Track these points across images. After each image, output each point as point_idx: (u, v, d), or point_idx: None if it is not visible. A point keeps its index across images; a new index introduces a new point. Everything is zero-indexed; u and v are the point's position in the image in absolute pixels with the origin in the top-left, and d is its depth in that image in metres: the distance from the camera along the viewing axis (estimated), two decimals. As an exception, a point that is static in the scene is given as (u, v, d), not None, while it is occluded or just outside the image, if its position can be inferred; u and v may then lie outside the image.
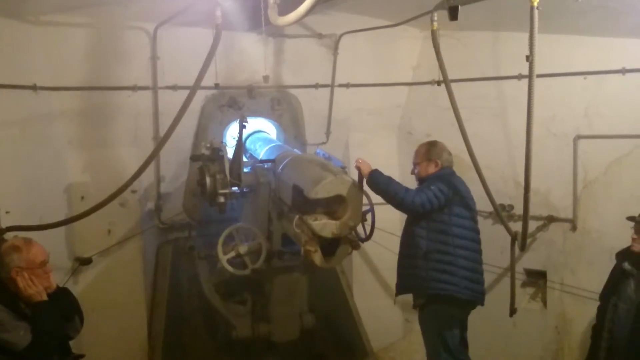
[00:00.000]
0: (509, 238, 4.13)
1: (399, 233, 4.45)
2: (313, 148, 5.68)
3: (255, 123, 5.61)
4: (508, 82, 5.15)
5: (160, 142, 4.07)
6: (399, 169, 5.99)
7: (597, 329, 4.25)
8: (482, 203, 4.30)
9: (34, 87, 4.68)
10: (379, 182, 4.01)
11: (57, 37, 4.83)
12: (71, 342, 3.49)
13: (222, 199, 4.42)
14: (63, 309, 3.28)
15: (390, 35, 5.33)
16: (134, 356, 5.56)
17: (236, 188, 4.47)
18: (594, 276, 4.52)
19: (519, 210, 4.75)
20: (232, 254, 4.55)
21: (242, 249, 4.57)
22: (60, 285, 3.45)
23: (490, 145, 5.14)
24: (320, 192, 3.74)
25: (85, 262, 5.18)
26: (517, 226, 4.12)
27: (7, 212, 4.25)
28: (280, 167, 4.39)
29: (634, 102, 4.55)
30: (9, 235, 3.88)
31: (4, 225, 4.06)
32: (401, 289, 4.44)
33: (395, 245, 4.54)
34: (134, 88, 5.19)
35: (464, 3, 3.57)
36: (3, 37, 4.43)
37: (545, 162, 4.77)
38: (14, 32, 4.54)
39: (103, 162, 5.22)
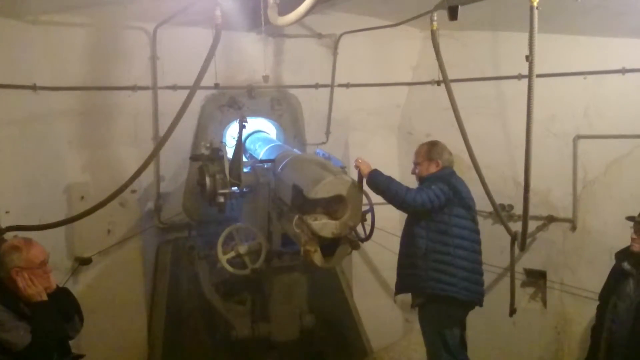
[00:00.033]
0: (508, 238, 4.13)
1: (399, 233, 4.46)
2: (313, 148, 5.68)
3: (255, 123, 5.61)
4: (508, 82, 5.15)
5: (160, 142, 4.07)
6: (399, 169, 6.00)
7: (596, 329, 4.25)
8: (481, 203, 4.30)
9: (33, 87, 4.68)
10: (379, 182, 4.02)
11: (57, 36, 4.83)
12: (71, 342, 3.48)
13: (221, 199, 4.42)
14: (63, 309, 3.28)
15: (390, 35, 5.33)
16: (134, 356, 5.56)
17: (236, 188, 4.48)
18: (594, 276, 4.52)
19: (518, 210, 4.75)
20: (232, 253, 4.56)
21: (242, 249, 4.57)
22: (60, 285, 3.45)
23: (490, 145, 5.14)
24: (320, 192, 3.74)
25: (85, 262, 5.17)
26: (516, 226, 4.13)
27: (7, 212, 4.26)
28: (280, 167, 4.39)
29: (634, 102, 4.54)
30: (9, 235, 3.88)
31: (3, 225, 4.06)
32: (400, 288, 4.44)
33: (395, 245, 4.54)
34: (133, 88, 5.20)
35: (463, 3, 3.58)
36: (3, 37, 4.43)
37: (545, 162, 4.77)
38: (13, 31, 4.54)
39: (103, 162, 5.22)
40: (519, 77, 4.85)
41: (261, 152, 5.06)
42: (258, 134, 5.61)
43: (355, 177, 4.00)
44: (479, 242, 4.28)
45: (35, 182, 4.72)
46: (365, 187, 4.03)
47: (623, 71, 4.54)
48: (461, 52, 5.36)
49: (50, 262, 3.30)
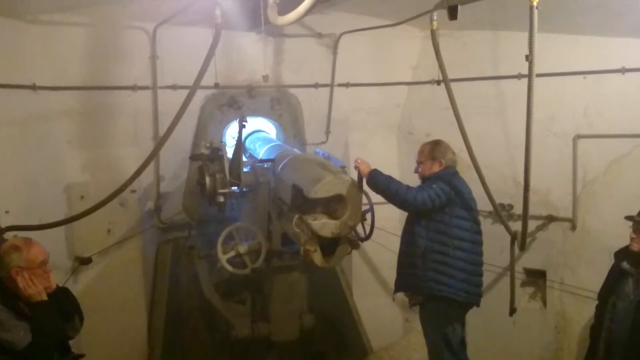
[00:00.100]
0: (508, 237, 4.14)
1: (399, 233, 4.46)
2: (313, 148, 5.68)
3: (254, 122, 5.62)
4: (508, 82, 5.15)
5: (160, 142, 4.07)
6: (399, 169, 6.01)
7: (595, 328, 4.25)
8: (481, 202, 4.30)
9: (33, 87, 4.68)
10: (379, 182, 4.01)
11: (57, 36, 4.83)
12: (71, 342, 3.49)
13: (221, 199, 4.42)
14: (63, 309, 3.28)
15: (389, 35, 5.32)
16: (134, 356, 5.56)
17: (236, 188, 4.48)
18: (594, 275, 4.52)
19: (518, 209, 4.75)
20: (232, 253, 4.56)
21: (242, 248, 4.57)
22: (60, 285, 3.45)
23: (490, 145, 5.14)
24: (320, 191, 3.74)
25: (85, 261, 5.17)
26: (516, 226, 4.13)
27: (6, 212, 4.26)
28: (280, 167, 4.39)
29: (634, 102, 4.55)
30: (9, 235, 3.88)
31: (3, 225, 4.06)
32: (399, 286, 4.45)
33: (395, 245, 4.54)
34: (133, 88, 5.19)
35: (463, 2, 3.57)
36: (2, 37, 4.43)
37: (544, 162, 4.77)
38: (13, 31, 4.54)
39: (103, 161, 5.22)
40: (519, 76, 4.85)
41: (261, 152, 5.06)
42: (258, 134, 5.61)
43: (355, 177, 4.00)
44: (479, 243, 4.27)
45: (35, 181, 4.72)
46: (365, 187, 4.03)
47: (623, 71, 4.54)
48: (461, 52, 5.36)
49: (50, 262, 3.29)
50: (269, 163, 4.68)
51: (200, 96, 5.37)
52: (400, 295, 4.73)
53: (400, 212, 4.46)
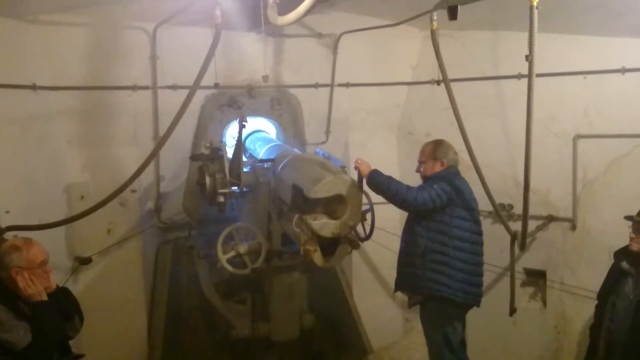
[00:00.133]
0: (508, 237, 4.13)
1: (399, 233, 4.46)
2: (313, 147, 5.68)
3: (254, 122, 5.62)
4: (507, 82, 5.15)
5: (160, 142, 4.07)
6: (399, 169, 6.01)
7: (595, 328, 4.26)
8: (481, 202, 4.30)
9: (33, 87, 4.68)
10: (379, 182, 4.01)
11: (57, 36, 4.83)
12: (71, 342, 3.50)
13: (221, 199, 4.42)
14: (63, 309, 3.29)
15: (389, 35, 5.32)
16: (134, 356, 5.56)
17: (236, 187, 4.48)
18: (594, 275, 4.52)
19: (518, 209, 4.75)
20: (232, 253, 4.56)
21: (242, 248, 4.57)
22: (60, 285, 3.46)
23: (490, 145, 5.14)
24: (320, 191, 3.75)
25: (85, 261, 5.17)
26: (516, 225, 4.13)
27: (6, 212, 4.26)
28: (280, 167, 4.39)
29: (634, 102, 4.55)
30: (9, 235, 3.88)
31: (3, 225, 4.07)
32: (399, 285, 4.45)
33: (394, 244, 4.54)
34: (133, 88, 5.19)
35: (463, 3, 3.57)
36: (2, 37, 4.43)
37: (544, 162, 4.77)
38: (13, 31, 4.54)
39: (103, 161, 5.22)
40: (519, 76, 4.85)
41: (261, 152, 5.06)
42: (258, 134, 5.61)
43: (355, 177, 4.00)
44: (480, 244, 4.26)
45: (35, 181, 4.72)
46: (365, 187, 4.03)
47: (623, 71, 4.54)
48: (461, 52, 5.36)
49: (50, 262, 3.30)
50: (269, 163, 4.68)
51: (200, 96, 5.37)
52: (400, 294, 4.73)
53: (401, 212, 4.46)
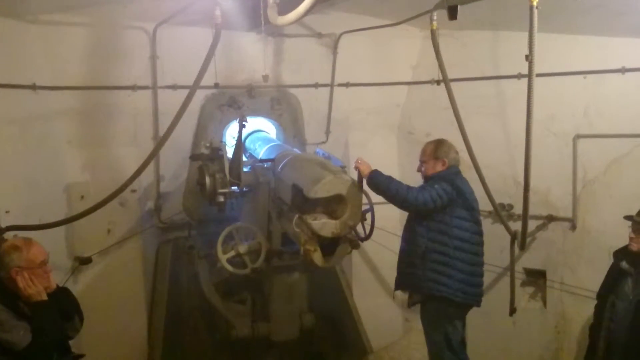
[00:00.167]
0: (508, 237, 4.13)
1: (399, 232, 4.46)
2: (313, 147, 5.68)
3: (254, 122, 5.62)
4: (507, 82, 5.15)
5: (160, 142, 4.07)
6: (399, 168, 6.01)
7: (595, 328, 4.26)
8: (481, 202, 4.30)
9: (33, 87, 4.68)
10: (379, 182, 4.01)
11: (57, 36, 4.83)
12: (71, 342, 3.49)
13: (221, 199, 4.42)
14: (63, 309, 3.29)
15: (389, 35, 5.32)
16: (134, 355, 5.56)
17: (236, 187, 4.48)
18: (594, 275, 4.51)
19: (518, 209, 4.75)
20: (232, 253, 4.56)
21: (242, 248, 4.57)
22: (60, 285, 3.45)
23: (490, 145, 5.14)
24: (320, 191, 3.74)
25: (85, 261, 5.17)
26: (516, 225, 4.12)
27: (6, 212, 4.26)
28: (280, 167, 4.39)
29: (634, 102, 4.54)
30: (9, 235, 3.88)
31: (3, 225, 4.06)
32: (399, 284, 4.45)
33: (394, 244, 4.55)
34: (133, 87, 5.19)
35: (463, 2, 3.57)
36: (2, 37, 4.43)
37: (544, 162, 4.77)
38: (13, 31, 4.54)
39: (103, 161, 5.22)
40: (519, 76, 4.85)
41: (261, 152, 5.06)
42: (258, 134, 5.61)
43: (355, 177, 4.00)
44: (480, 244, 4.27)
45: (35, 181, 4.71)
46: (365, 187, 4.03)
47: (623, 70, 4.54)
48: (461, 52, 5.36)
49: (50, 262, 3.30)
50: (269, 163, 4.68)
51: (200, 96, 5.38)
52: (400, 293, 4.73)
53: (400, 212, 4.46)
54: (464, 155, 4.20)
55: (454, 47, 5.23)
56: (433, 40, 4.01)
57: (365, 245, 4.43)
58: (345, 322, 6.05)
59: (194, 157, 4.90)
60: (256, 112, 5.72)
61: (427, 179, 4.31)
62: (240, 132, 4.48)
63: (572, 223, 4.98)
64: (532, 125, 3.13)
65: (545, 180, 4.96)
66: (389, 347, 6.21)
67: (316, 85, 5.89)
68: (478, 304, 4.29)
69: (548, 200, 5.10)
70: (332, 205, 3.85)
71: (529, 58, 2.99)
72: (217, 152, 4.51)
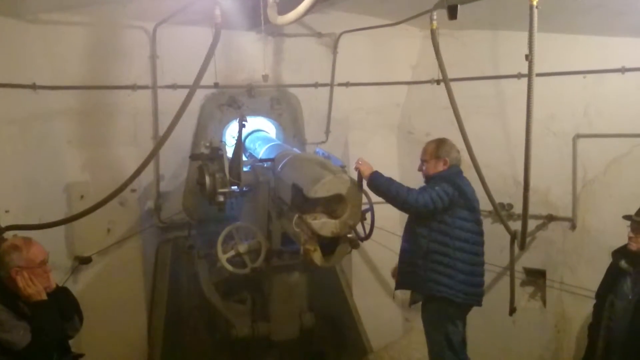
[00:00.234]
0: (508, 237, 4.13)
1: (399, 232, 4.45)
2: (312, 147, 5.68)
3: (254, 122, 5.62)
4: (507, 81, 5.15)
5: (160, 141, 4.06)
6: (399, 168, 6.02)
7: (594, 327, 4.26)
8: (481, 202, 4.29)
9: (33, 86, 4.68)
10: (380, 184, 4.00)
11: (56, 35, 4.83)
12: (71, 341, 3.49)
13: (221, 198, 4.42)
14: (62, 308, 3.28)
15: (389, 34, 5.32)
16: (134, 355, 5.56)
17: (235, 187, 4.47)
18: (594, 275, 4.51)
19: (518, 209, 4.75)
20: (232, 253, 4.56)
21: (242, 248, 4.57)
22: (60, 285, 3.46)
23: (490, 144, 5.14)
24: (320, 191, 3.74)
25: (85, 261, 5.18)
26: (516, 225, 4.12)
27: (6, 211, 4.25)
28: (280, 166, 4.39)
29: (634, 101, 4.55)
30: (9, 235, 3.87)
31: (3, 225, 4.05)
32: (400, 284, 4.45)
33: (394, 244, 4.55)
34: (133, 87, 5.19)
35: (463, 2, 3.57)
36: (2, 36, 4.43)
37: (544, 161, 4.78)
38: (13, 30, 4.54)
39: (102, 161, 5.21)
40: (519, 76, 4.85)
41: (261, 151, 5.06)
42: (258, 133, 5.61)
43: (354, 177, 4.00)
44: (481, 244, 4.26)
45: (35, 181, 4.71)
46: (365, 187, 4.03)
47: (623, 70, 4.54)
48: (461, 51, 5.36)
49: (50, 262, 3.30)
50: (269, 162, 4.68)
51: (200, 96, 5.37)
52: (401, 293, 4.73)
53: (400, 212, 4.45)
54: (463, 155, 4.20)
55: (453, 47, 5.23)
56: (433, 39, 4.00)
57: (365, 245, 4.43)
58: (345, 322, 6.05)
59: (193, 156, 4.90)
60: (256, 112, 5.72)
61: (429, 178, 4.30)
62: (240, 132, 4.48)
63: (572, 223, 4.98)
64: (532, 124, 3.13)
65: (545, 179, 4.96)
66: (388, 346, 6.22)
67: (316, 85, 5.89)
68: (479, 304, 4.29)
69: (548, 200, 5.10)
70: (332, 204, 3.85)
71: (528, 58, 2.99)
72: (217, 151, 4.51)
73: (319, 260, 3.85)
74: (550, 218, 5.11)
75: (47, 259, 3.25)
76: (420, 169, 4.42)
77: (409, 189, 4.03)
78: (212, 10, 3.84)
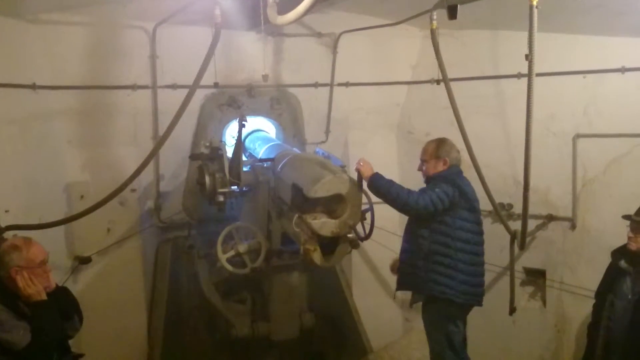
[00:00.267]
0: (508, 237, 4.13)
1: (399, 232, 4.46)
2: (312, 147, 5.68)
3: (254, 122, 5.61)
4: (507, 81, 5.15)
5: (160, 141, 4.06)
6: (399, 168, 6.02)
7: (593, 327, 4.26)
8: (481, 202, 4.29)
9: (33, 86, 4.68)
10: (380, 186, 3.99)
11: (56, 35, 4.83)
12: (70, 341, 3.49)
13: (221, 198, 4.42)
14: (62, 308, 3.28)
15: (389, 34, 5.32)
16: (134, 355, 5.56)
17: (235, 187, 4.47)
18: (593, 275, 4.51)
19: (518, 209, 4.75)
20: (232, 252, 4.56)
21: (242, 247, 4.57)
22: (60, 284, 3.45)
23: (490, 144, 5.14)
24: (320, 191, 3.74)
25: (85, 261, 5.18)
26: (516, 225, 4.12)
27: (6, 211, 4.26)
28: (280, 166, 4.39)
29: (634, 101, 4.55)
30: (9, 235, 3.88)
31: (3, 224, 4.06)
32: (401, 285, 4.45)
33: (394, 244, 4.55)
34: (133, 87, 5.19)
35: (463, 2, 3.57)
36: (2, 36, 4.43)
37: (544, 161, 4.78)
38: (13, 30, 4.54)
39: (102, 161, 5.21)
40: (519, 76, 4.85)
41: (261, 151, 5.06)
42: (257, 133, 5.61)
43: (354, 176, 4.00)
44: (481, 244, 4.26)
45: (34, 181, 4.71)
46: (365, 187, 4.03)
47: (623, 70, 4.54)
48: (461, 51, 5.36)
49: (50, 261, 3.29)
50: (269, 162, 4.68)
51: (200, 95, 5.37)
52: (401, 293, 4.73)
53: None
54: (463, 154, 4.20)
55: (453, 47, 5.23)
56: (433, 39, 4.00)
57: (365, 244, 4.42)
58: (345, 322, 6.04)
59: (193, 156, 4.90)
60: (256, 112, 5.71)
61: (429, 178, 4.30)
62: (240, 132, 4.48)
63: (572, 222, 4.98)
64: (532, 124, 3.13)
65: (545, 179, 4.96)
66: (388, 346, 6.21)
67: (316, 85, 5.89)
68: (479, 304, 4.29)
69: (548, 200, 5.10)
70: (331, 204, 3.84)
71: (528, 57, 2.99)
72: (216, 151, 4.51)
73: (319, 260, 3.85)
74: (550, 218, 5.11)
75: (47, 259, 3.24)
76: (420, 169, 4.41)
77: (409, 191, 4.02)
78: (212, 10, 3.84)
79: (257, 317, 4.97)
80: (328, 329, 5.78)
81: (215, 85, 4.71)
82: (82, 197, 5.09)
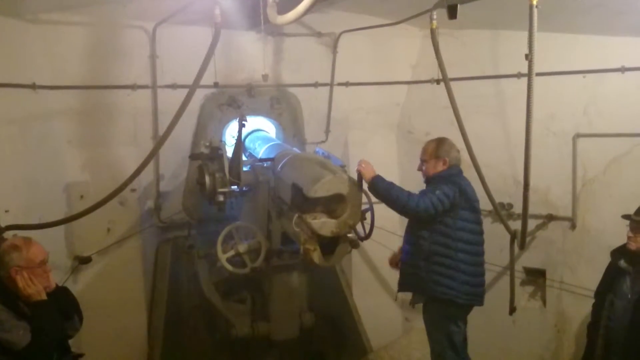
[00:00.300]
0: (508, 236, 4.14)
1: (399, 232, 4.46)
2: (312, 147, 5.68)
3: (254, 122, 5.61)
4: (507, 81, 5.15)
5: (160, 141, 4.07)
6: (398, 168, 6.02)
7: (593, 327, 4.26)
8: (481, 201, 4.30)
9: (33, 86, 4.68)
10: (380, 188, 3.99)
11: (56, 35, 4.82)
12: (70, 341, 3.49)
13: (221, 198, 4.42)
14: (62, 308, 3.28)
15: (389, 34, 5.32)
16: (134, 355, 5.55)
17: (235, 187, 4.47)
18: (593, 274, 4.51)
19: (518, 208, 4.75)
20: (232, 252, 4.56)
21: (242, 247, 4.57)
22: (60, 284, 3.45)
23: (490, 144, 5.14)
24: (320, 190, 3.74)
25: (85, 261, 5.17)
26: (516, 225, 4.13)
27: (6, 211, 4.25)
28: (280, 166, 4.39)
29: (634, 101, 4.54)
30: (9, 234, 3.88)
31: (3, 224, 4.06)
32: (402, 286, 4.45)
33: (394, 244, 4.56)
34: (133, 87, 5.19)
35: (463, 2, 3.57)
36: (2, 36, 4.42)
37: (544, 161, 4.77)
38: (12, 30, 4.54)
39: (102, 161, 5.21)
40: (519, 75, 4.85)
41: (261, 151, 5.06)
42: (257, 133, 5.61)
43: (355, 176, 4.00)
44: (481, 244, 4.26)
45: (34, 181, 4.71)
46: (365, 187, 4.03)
47: (622, 70, 4.54)
48: (461, 51, 5.36)
49: (50, 261, 3.29)
50: (269, 162, 4.68)
51: (199, 95, 5.37)
52: (401, 293, 4.73)
53: (400, 213, 4.45)
54: (463, 154, 4.20)
55: (453, 47, 5.23)
56: (433, 39, 4.00)
57: (365, 244, 4.43)
58: (345, 322, 6.05)
59: (193, 156, 4.90)
60: (256, 112, 5.71)
61: (429, 179, 4.30)
62: (239, 132, 4.48)
63: (572, 222, 4.98)
64: (532, 124, 3.14)
65: (545, 179, 4.96)
66: (388, 346, 6.21)
67: (316, 85, 5.89)
68: (480, 304, 4.29)
69: (548, 200, 5.10)
70: (331, 204, 3.84)
71: (528, 57, 2.99)
72: (216, 151, 4.51)
73: (318, 260, 3.85)
74: (550, 218, 5.11)
75: (47, 258, 3.24)
76: (419, 169, 4.41)
77: (409, 194, 4.01)
78: (212, 10, 3.84)
79: (257, 317, 4.98)
80: (328, 328, 5.79)
81: (215, 85, 4.71)
82: (82, 197, 5.08)
